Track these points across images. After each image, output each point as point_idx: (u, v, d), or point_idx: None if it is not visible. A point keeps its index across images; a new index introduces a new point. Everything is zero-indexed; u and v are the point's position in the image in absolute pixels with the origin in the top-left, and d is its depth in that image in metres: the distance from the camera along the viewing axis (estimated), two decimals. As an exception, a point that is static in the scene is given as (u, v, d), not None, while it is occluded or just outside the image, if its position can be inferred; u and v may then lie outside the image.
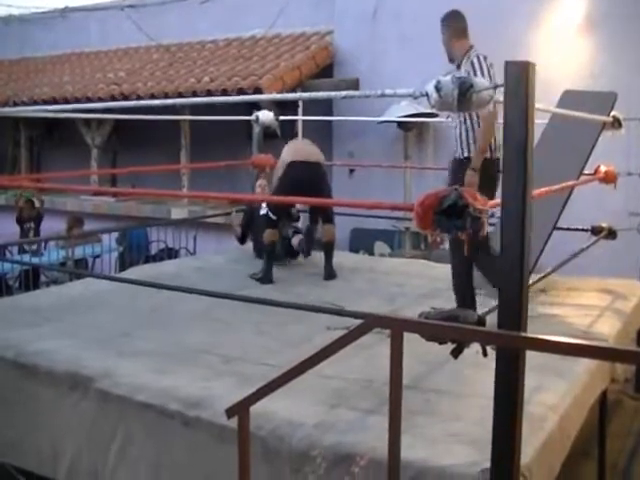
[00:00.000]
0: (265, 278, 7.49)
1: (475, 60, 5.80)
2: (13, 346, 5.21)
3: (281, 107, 10.66)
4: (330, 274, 7.78)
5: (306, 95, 5.28)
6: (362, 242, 11.73)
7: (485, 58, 5.80)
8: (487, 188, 5.21)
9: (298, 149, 8.11)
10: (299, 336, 5.25)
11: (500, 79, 2.99)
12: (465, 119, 5.80)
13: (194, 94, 12.44)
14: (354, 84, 12.55)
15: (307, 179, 7.58)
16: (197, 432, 4.05)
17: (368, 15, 12.75)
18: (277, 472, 3.76)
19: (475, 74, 5.45)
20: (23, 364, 5.01)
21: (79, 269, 11.48)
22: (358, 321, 3.38)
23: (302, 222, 8.93)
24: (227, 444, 3.76)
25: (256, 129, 9.34)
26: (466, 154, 5.80)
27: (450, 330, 3.05)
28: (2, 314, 6.14)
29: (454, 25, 6.23)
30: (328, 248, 7.95)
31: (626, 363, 4.92)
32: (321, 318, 5.12)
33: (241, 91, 11.88)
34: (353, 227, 11.51)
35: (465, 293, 5.76)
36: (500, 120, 3.05)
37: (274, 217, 7.83)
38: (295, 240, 8.29)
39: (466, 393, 4.22)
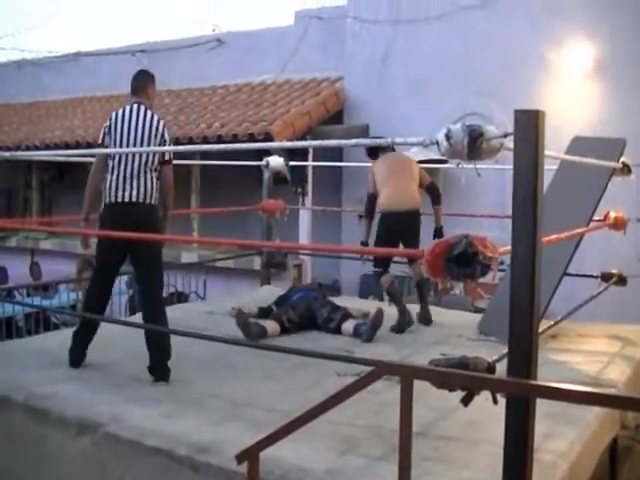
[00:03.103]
0: (402, 324, 7.22)
1: None
2: (23, 388, 5.21)
3: (291, 152, 10.71)
4: (427, 317, 7.58)
5: (316, 143, 5.33)
6: (372, 287, 11.70)
7: (109, 118, 5.99)
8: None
9: (392, 194, 7.61)
10: (309, 382, 5.24)
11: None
12: None
13: (205, 139, 12.51)
14: (364, 130, 12.60)
15: (402, 230, 7.43)
16: (206, 477, 4.03)
17: (378, 61, 12.86)
18: (287, 518, 3.74)
19: None
20: (33, 407, 5.01)
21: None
22: (368, 368, 3.39)
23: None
24: (237, 490, 3.75)
25: (266, 174, 9.36)
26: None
27: (460, 378, 3.04)
28: (12, 356, 6.14)
29: (131, 84, 6.27)
30: (420, 286, 7.69)
31: (635, 411, 4.90)
32: (331, 364, 5.12)
33: (251, 137, 11.93)
34: (363, 273, 11.49)
35: None
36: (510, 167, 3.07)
37: (379, 269, 7.53)
38: (349, 325, 7.18)
39: (476, 440, 4.20)
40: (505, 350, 3.14)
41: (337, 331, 7.11)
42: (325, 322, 7.24)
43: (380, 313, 7.00)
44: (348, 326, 7.08)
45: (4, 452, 5.17)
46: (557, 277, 5.96)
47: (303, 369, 5.47)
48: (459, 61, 11.88)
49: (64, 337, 6.40)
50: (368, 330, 6.83)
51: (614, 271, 6.78)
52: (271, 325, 7.06)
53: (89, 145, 13.92)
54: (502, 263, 3.36)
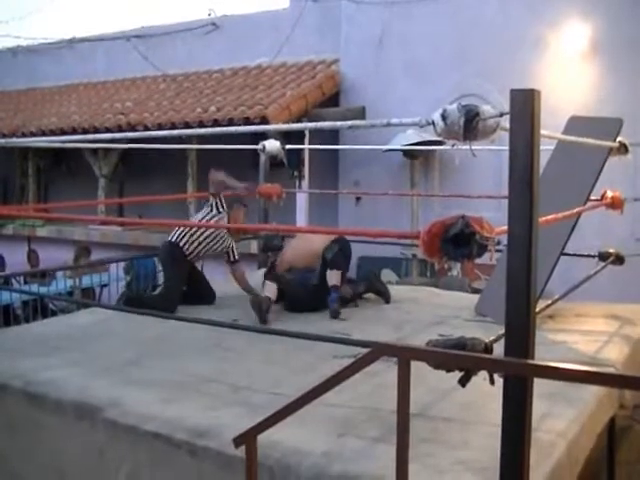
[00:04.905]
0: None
1: None
2: (21, 375, 5.20)
3: (287, 136, 10.69)
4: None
5: (312, 125, 5.35)
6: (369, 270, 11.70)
7: None
8: None
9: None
10: (306, 364, 5.23)
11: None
12: None
13: (201, 124, 12.49)
14: (360, 112, 12.59)
15: None
16: (204, 462, 4.02)
17: (374, 43, 12.82)
18: (285, 501, 3.74)
19: None
20: (31, 393, 5.00)
21: (86, 298, 11.49)
22: (365, 349, 3.38)
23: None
24: (234, 473, 3.75)
25: (262, 158, 9.34)
26: None
27: (457, 358, 3.04)
28: (10, 343, 6.14)
29: None
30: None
31: (634, 390, 4.90)
32: (328, 346, 5.10)
33: (247, 120, 11.91)
34: (360, 255, 11.48)
35: None
36: (505, 147, 3.06)
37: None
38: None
39: (474, 421, 4.20)
40: (502, 330, 3.13)
41: (322, 286, 7.21)
42: (315, 287, 7.33)
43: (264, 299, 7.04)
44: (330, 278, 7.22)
45: (2, 439, 5.17)
46: (554, 257, 5.95)
47: (301, 352, 5.46)
48: (456, 42, 11.86)
49: (62, 324, 6.41)
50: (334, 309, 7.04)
51: (611, 250, 6.76)
52: (271, 288, 7.13)
53: (85, 131, 13.94)
54: (499, 243, 3.34)
